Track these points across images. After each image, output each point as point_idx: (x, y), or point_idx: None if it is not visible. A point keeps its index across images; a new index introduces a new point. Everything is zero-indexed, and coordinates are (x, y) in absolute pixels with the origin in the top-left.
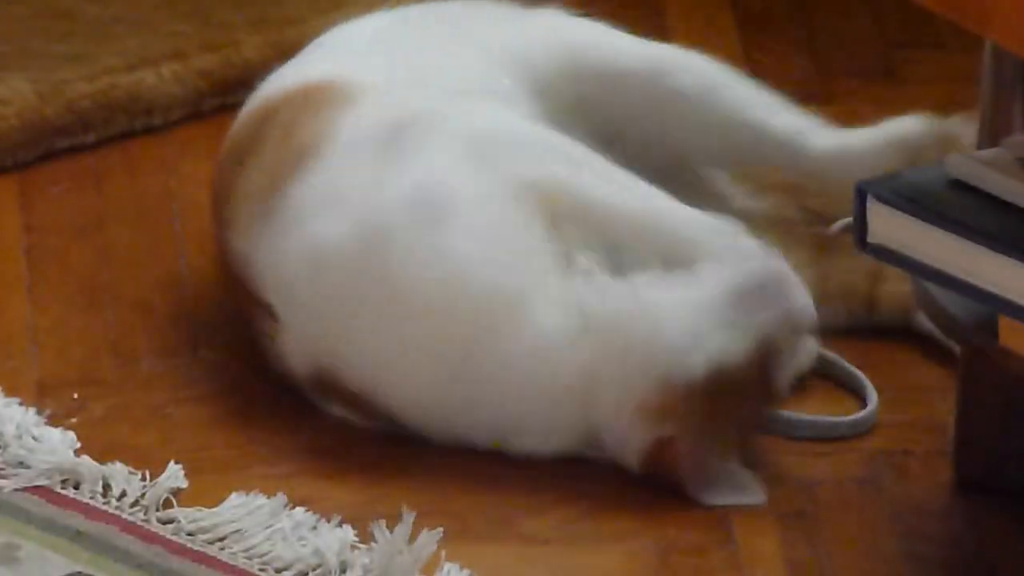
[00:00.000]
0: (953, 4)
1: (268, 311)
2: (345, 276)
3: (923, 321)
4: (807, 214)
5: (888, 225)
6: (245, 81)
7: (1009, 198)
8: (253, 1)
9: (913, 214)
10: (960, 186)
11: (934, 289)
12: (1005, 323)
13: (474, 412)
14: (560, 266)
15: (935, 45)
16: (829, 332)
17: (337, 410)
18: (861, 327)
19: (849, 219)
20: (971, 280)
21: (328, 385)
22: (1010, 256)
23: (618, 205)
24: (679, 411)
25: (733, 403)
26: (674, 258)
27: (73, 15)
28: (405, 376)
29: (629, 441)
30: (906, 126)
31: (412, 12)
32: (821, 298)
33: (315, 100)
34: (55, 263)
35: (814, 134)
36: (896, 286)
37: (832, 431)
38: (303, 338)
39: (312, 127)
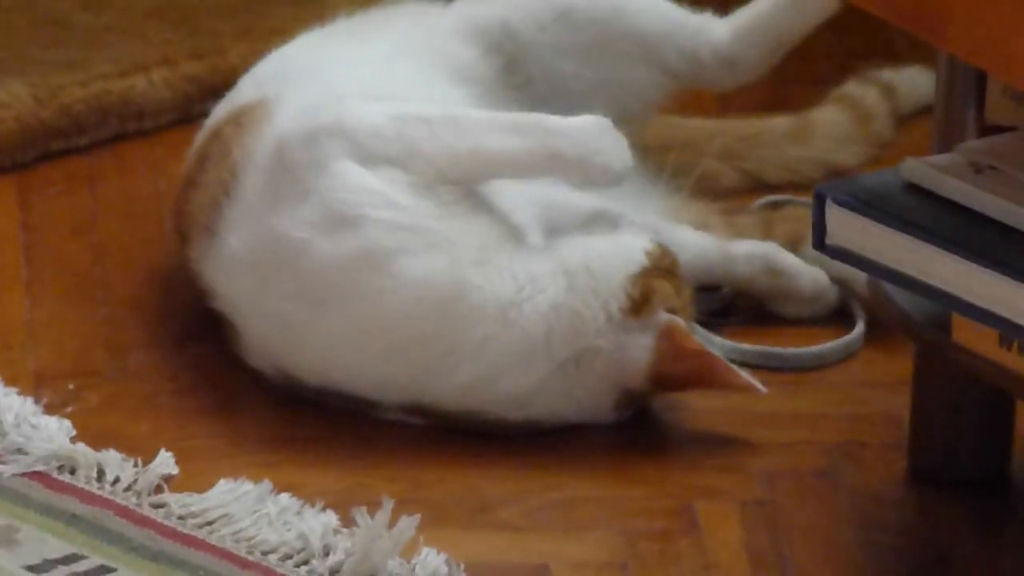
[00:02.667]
0: (908, 16)
1: (225, 319)
2: (281, 288)
3: (807, 255)
4: (744, 177)
5: (846, 227)
6: (231, 87)
7: (962, 201)
8: (239, 11)
9: (870, 217)
10: (915, 190)
11: (890, 288)
12: (958, 320)
13: (443, 388)
14: (491, 236)
15: (890, 55)
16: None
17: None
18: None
19: (770, 197)
20: (926, 279)
21: (291, 381)
22: (963, 257)
23: (504, 150)
24: (663, 291)
25: (679, 276)
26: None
27: (68, 23)
28: (363, 373)
29: (632, 349)
30: None
31: (338, 25)
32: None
33: (247, 120)
34: (51, 260)
35: (714, 23)
36: (786, 226)
37: (822, 359)
38: (257, 343)
39: (241, 146)
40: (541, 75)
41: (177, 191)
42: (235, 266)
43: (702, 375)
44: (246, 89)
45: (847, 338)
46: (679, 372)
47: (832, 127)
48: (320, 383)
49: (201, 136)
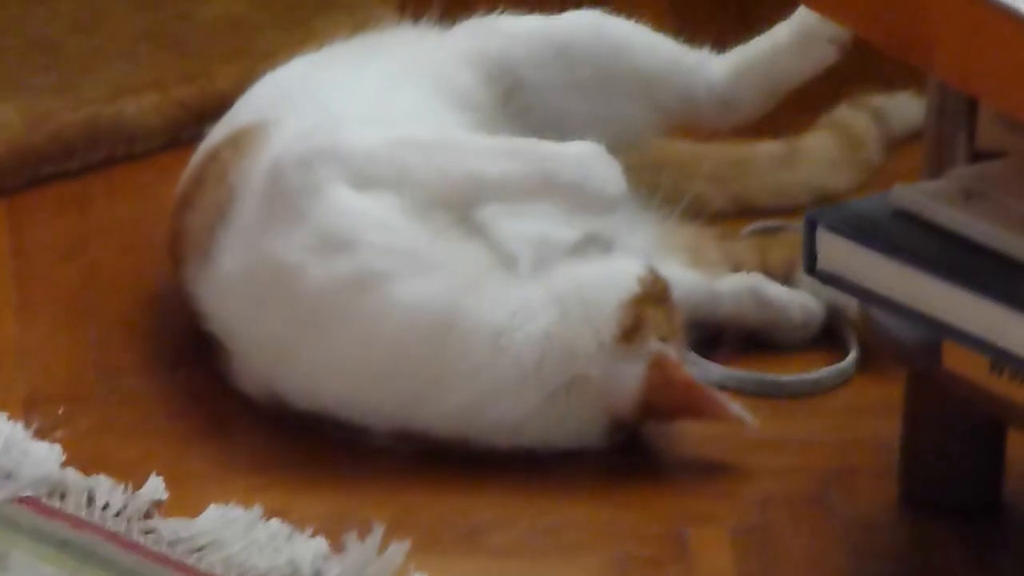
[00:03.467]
0: (899, 41)
1: (218, 342)
2: (274, 311)
3: (803, 280)
4: (733, 201)
5: (836, 253)
6: (221, 111)
7: (953, 228)
8: (228, 35)
9: (860, 243)
10: (906, 216)
11: (880, 314)
12: (949, 347)
13: (438, 411)
14: (483, 263)
15: (881, 80)
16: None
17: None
18: None
19: (761, 224)
20: (916, 306)
21: (283, 405)
22: (953, 283)
23: (499, 174)
24: (655, 319)
25: (671, 303)
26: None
27: (58, 48)
28: (355, 398)
29: (623, 378)
30: (796, 21)
31: (335, 49)
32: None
33: (244, 143)
34: (42, 284)
35: (712, 62)
36: (781, 252)
37: (818, 386)
38: (249, 366)
39: (237, 169)
40: (539, 106)
41: (172, 213)
42: (229, 289)
43: (692, 406)
44: (243, 112)
45: (841, 365)
46: (669, 403)
47: (821, 152)
48: (311, 407)
49: (197, 158)
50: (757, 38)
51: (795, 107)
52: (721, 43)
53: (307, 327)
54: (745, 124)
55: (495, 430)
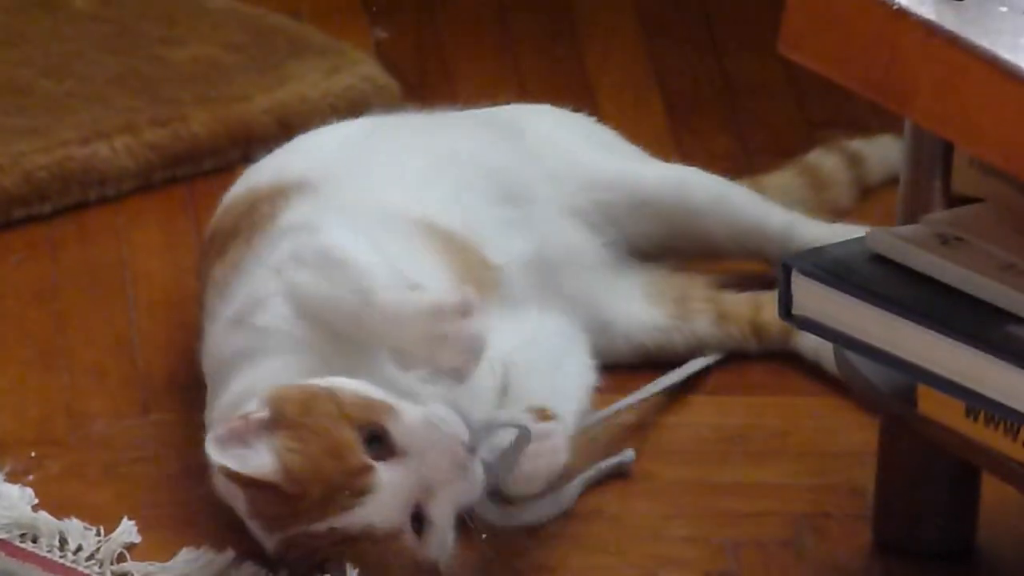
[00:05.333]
0: (875, 85)
1: None
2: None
3: (802, 342)
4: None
5: (812, 297)
6: (193, 155)
7: (928, 272)
8: (200, 79)
9: (836, 287)
10: (881, 260)
11: (855, 358)
12: (923, 391)
13: None
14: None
15: (855, 124)
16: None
17: None
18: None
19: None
20: (891, 350)
21: None
22: (928, 327)
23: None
24: None
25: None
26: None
27: (30, 91)
28: None
29: None
30: None
31: (395, 120)
32: (718, 323)
33: (286, 196)
34: (13, 327)
35: (803, 225)
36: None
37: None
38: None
39: (261, 233)
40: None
41: (200, 256)
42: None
43: None
44: (290, 163)
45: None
46: None
47: (783, 191)
48: None
49: (234, 202)
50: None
51: (768, 150)
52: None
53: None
54: (718, 165)
55: None
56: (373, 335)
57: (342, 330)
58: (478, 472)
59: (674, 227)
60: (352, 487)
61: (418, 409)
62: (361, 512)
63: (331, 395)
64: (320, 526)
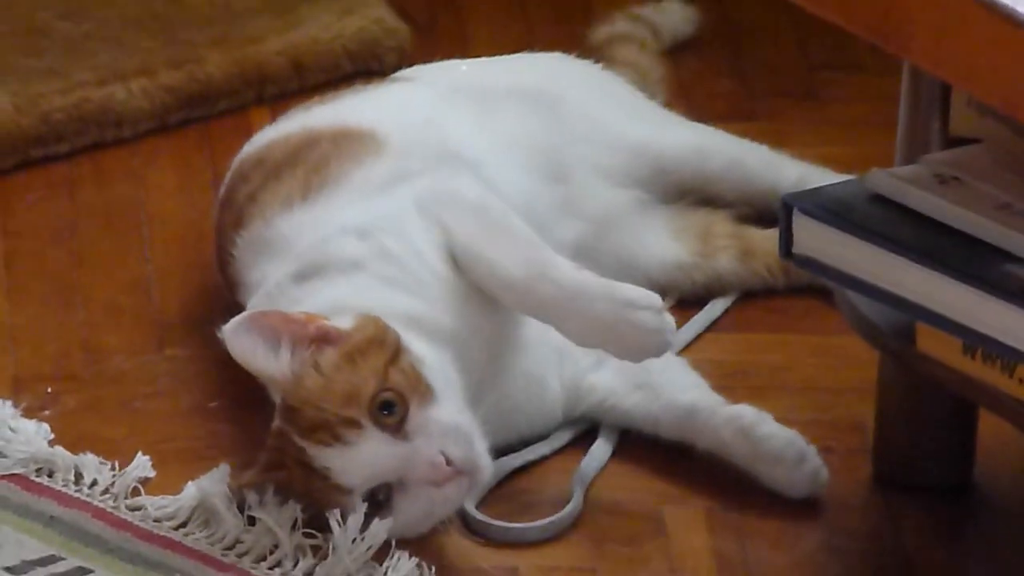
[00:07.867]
0: (874, 27)
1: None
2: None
3: None
4: None
5: (812, 237)
6: (208, 96)
7: (926, 212)
8: (216, 21)
9: (836, 226)
10: (880, 200)
11: (855, 297)
12: (922, 329)
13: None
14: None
15: (855, 67)
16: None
17: None
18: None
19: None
20: (890, 289)
21: None
22: (927, 266)
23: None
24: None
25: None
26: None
27: (48, 32)
28: None
29: None
30: None
31: (450, 91)
32: (743, 261)
33: (349, 146)
34: (31, 265)
35: (815, 175)
36: None
37: (523, 536)
38: None
39: (339, 167)
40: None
41: (234, 178)
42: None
43: None
44: (356, 110)
45: (558, 516)
46: None
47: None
48: None
49: (290, 126)
50: None
51: (769, 94)
52: None
53: None
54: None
55: None
56: (542, 306)
57: (496, 292)
58: (458, 491)
59: (694, 190)
60: (333, 430)
61: (455, 415)
62: (327, 453)
63: (394, 352)
64: (297, 439)
